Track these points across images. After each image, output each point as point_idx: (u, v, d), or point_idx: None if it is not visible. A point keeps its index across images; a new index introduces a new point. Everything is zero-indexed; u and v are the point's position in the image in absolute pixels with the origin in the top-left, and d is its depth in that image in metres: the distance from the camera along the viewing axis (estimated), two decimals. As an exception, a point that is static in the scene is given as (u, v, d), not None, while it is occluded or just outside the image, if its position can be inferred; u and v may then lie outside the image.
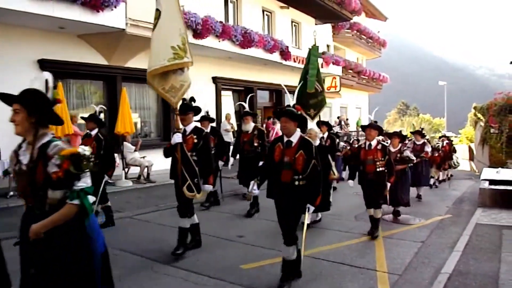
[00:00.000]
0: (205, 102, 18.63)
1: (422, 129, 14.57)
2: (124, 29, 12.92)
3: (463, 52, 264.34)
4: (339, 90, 29.96)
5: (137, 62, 15.04)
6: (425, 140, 13.67)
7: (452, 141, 19.56)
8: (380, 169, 8.55)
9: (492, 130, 20.15)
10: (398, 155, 10.48)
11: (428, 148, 13.16)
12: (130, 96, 14.95)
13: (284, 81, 24.20)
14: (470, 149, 30.27)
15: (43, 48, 12.57)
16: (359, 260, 7.19)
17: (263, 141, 10.91)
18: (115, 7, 12.30)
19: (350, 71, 32.38)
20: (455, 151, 18.29)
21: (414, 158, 11.10)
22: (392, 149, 10.24)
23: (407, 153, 10.83)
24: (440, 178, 16.91)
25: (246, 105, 11.77)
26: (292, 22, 25.32)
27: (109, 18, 12.33)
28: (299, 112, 6.20)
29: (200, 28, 15.57)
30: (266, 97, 24.74)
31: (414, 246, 8.11)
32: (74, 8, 11.40)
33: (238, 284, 6.03)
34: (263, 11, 22.53)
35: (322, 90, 10.69)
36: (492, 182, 12.50)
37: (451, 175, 18.62)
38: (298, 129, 6.10)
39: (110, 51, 14.14)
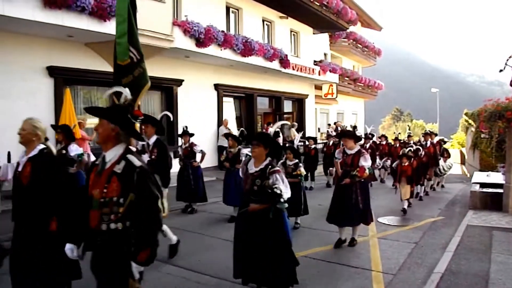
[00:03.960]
0: (207, 108, 18.73)
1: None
2: (130, 38, 12.90)
3: (454, 60, 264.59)
4: (336, 97, 29.97)
5: (142, 69, 15.04)
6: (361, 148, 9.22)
7: (443, 140, 17.72)
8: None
9: (482, 135, 19.98)
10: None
11: (364, 162, 7.88)
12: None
13: (284, 88, 24.38)
14: (462, 154, 30.27)
15: (52, 55, 12.57)
16: (355, 260, 7.19)
17: (163, 155, 7.70)
18: (121, 16, 12.30)
19: (347, 78, 32.35)
20: (446, 154, 16.22)
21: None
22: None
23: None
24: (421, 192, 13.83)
25: (170, 115, 9.94)
26: (291, 31, 25.37)
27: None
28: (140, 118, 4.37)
29: (202, 37, 15.57)
30: (266, 103, 24.73)
31: (408, 246, 8.10)
32: (82, 18, 11.42)
33: (239, 284, 6.00)
34: (263, 21, 22.58)
35: (140, 60, 6.62)
36: (482, 185, 12.49)
37: (442, 185, 16.77)
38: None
39: (116, 59, 14.10)
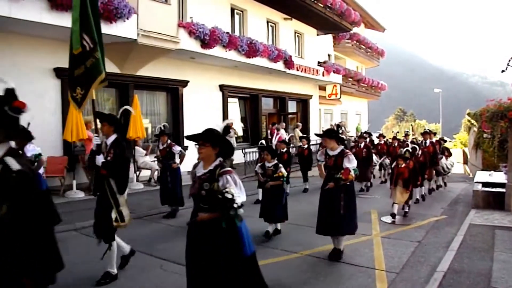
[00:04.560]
0: (213, 108, 18.73)
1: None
2: (135, 40, 12.96)
3: (457, 61, 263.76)
4: (340, 98, 29.96)
5: (148, 70, 15.10)
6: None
7: (443, 139, 17.41)
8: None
9: (484, 135, 19.97)
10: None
11: (348, 164, 7.19)
12: (141, 103, 14.98)
13: (288, 89, 24.39)
14: (464, 153, 30.17)
15: (59, 57, 12.57)
16: (358, 259, 7.18)
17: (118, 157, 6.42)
18: (128, 18, 12.36)
19: (350, 79, 32.34)
20: (447, 153, 15.85)
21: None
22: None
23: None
24: (417, 196, 12.99)
25: (131, 109, 8.95)
26: (295, 33, 25.37)
27: (122, 29, 12.38)
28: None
29: (208, 38, 15.60)
30: (271, 104, 24.73)
31: (411, 245, 8.08)
32: (89, 20, 11.44)
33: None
34: (267, 22, 22.59)
35: (94, 48, 5.93)
36: (485, 184, 12.45)
37: (444, 184, 16.35)
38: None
39: (122, 60, 14.15)
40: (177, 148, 10.42)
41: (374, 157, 15.92)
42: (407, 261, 7.11)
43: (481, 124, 20.49)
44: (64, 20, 10.89)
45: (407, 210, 10.95)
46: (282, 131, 20.55)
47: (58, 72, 12.60)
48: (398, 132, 20.64)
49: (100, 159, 5.89)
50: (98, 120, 6.28)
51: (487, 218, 10.19)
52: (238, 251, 4.39)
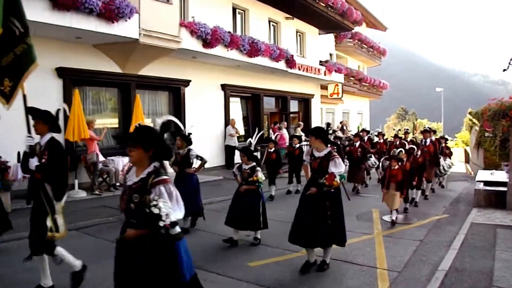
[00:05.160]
0: (215, 108, 18.71)
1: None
2: (137, 39, 12.94)
3: (459, 60, 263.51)
4: (342, 97, 29.94)
5: (150, 70, 15.09)
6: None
7: (444, 138, 16.44)
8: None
9: (486, 134, 20.02)
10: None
11: (334, 168, 6.51)
12: (144, 102, 14.95)
13: (290, 88, 24.37)
14: (466, 152, 30.11)
15: (61, 57, 12.60)
16: (360, 258, 7.18)
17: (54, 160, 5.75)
18: (129, 18, 12.34)
19: (352, 78, 32.29)
20: (447, 153, 15.31)
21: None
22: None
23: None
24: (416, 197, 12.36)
25: (66, 107, 8.38)
26: (296, 32, 25.35)
27: (124, 28, 12.36)
28: None
29: (209, 38, 15.58)
30: (272, 103, 24.72)
31: (413, 244, 8.08)
32: (91, 20, 11.45)
33: (245, 281, 6.02)
34: (269, 21, 22.57)
35: (25, 34, 5.36)
36: (486, 183, 12.42)
37: (441, 186, 15.84)
38: None
39: (124, 60, 14.14)
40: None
41: (373, 158, 15.24)
42: (408, 260, 7.11)
43: (483, 123, 20.56)
44: (66, 19, 10.92)
45: (394, 218, 9.79)
46: (284, 131, 20.56)
47: (60, 71, 12.59)
48: (399, 130, 19.66)
49: (33, 162, 5.30)
50: (30, 117, 5.71)
51: (489, 217, 10.18)
52: (176, 276, 3.69)
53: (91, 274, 5.88)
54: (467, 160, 29.16)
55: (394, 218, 9.77)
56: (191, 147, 8.88)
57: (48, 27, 10.93)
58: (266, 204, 8.26)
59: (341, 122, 29.09)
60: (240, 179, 8.16)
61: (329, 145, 6.72)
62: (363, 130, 17.00)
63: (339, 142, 13.90)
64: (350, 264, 6.90)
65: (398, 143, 15.46)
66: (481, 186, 12.19)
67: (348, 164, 13.65)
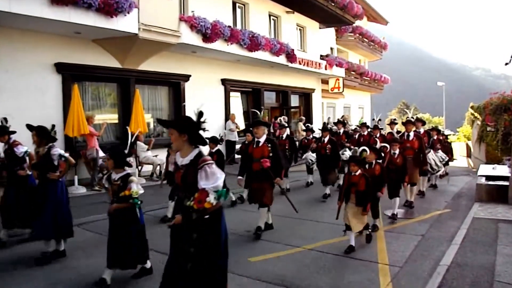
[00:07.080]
0: (215, 103, 18.69)
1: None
2: (136, 34, 12.91)
3: (461, 54, 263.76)
4: (343, 91, 29.91)
5: (150, 65, 15.07)
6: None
7: (436, 130, 15.09)
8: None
9: (488, 128, 20.03)
10: None
11: (204, 181, 4.31)
12: (143, 97, 14.95)
13: (290, 83, 24.34)
14: (468, 147, 30.12)
15: (60, 52, 12.58)
16: (362, 253, 7.17)
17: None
18: (128, 13, 12.31)
19: (353, 72, 32.25)
20: (440, 146, 14.00)
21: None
22: None
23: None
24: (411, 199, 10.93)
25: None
26: (297, 26, 25.29)
27: (123, 23, 12.33)
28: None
29: (209, 32, 15.55)
30: (273, 98, 24.70)
31: (414, 239, 8.08)
32: (89, 14, 11.41)
33: (246, 276, 6.02)
34: (269, 15, 22.51)
35: None
36: (488, 178, 12.42)
37: (434, 186, 14.38)
38: None
39: (124, 54, 14.12)
40: (21, 149, 7.65)
41: (347, 152, 12.48)
42: (410, 255, 7.11)
43: (485, 117, 20.57)
44: (65, 14, 10.88)
45: (352, 244, 7.31)
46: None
47: (59, 67, 12.56)
48: (380, 119, 15.91)
49: None
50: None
51: (491, 212, 10.17)
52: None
53: (92, 270, 5.89)
54: (469, 155, 29.17)
55: (351, 243, 7.30)
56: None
57: (47, 22, 10.91)
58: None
59: (342, 116, 29.09)
60: (111, 194, 5.84)
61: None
62: (363, 124, 15.85)
63: (334, 138, 12.77)
64: (351, 259, 6.90)
65: (378, 135, 13.94)
66: (483, 180, 12.18)
67: (314, 163, 13.28)
